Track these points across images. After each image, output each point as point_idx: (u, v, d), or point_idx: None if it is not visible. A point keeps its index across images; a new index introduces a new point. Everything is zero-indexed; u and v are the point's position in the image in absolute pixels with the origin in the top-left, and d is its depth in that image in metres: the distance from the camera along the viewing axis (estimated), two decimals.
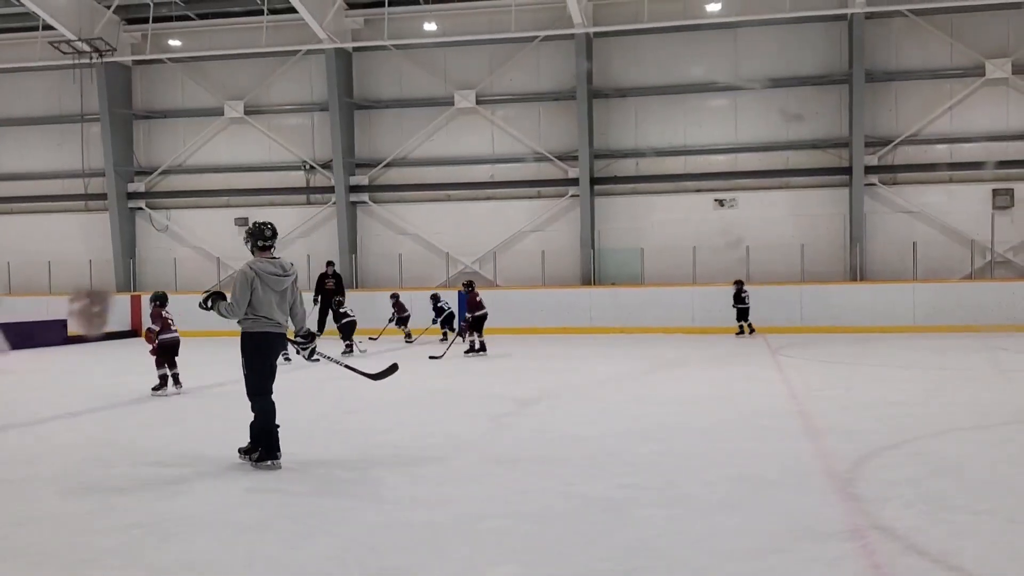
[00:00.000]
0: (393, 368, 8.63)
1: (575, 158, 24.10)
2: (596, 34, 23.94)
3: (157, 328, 11.79)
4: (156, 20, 25.66)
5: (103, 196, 26.65)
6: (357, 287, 25.16)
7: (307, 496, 6.20)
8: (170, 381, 11.83)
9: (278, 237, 7.51)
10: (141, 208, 26.99)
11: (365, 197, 25.65)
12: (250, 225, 7.57)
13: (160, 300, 12.03)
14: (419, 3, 24.63)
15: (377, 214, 25.78)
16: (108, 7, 25.08)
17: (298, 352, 7.75)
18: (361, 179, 25.53)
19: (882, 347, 17.45)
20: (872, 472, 6.63)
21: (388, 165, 25.53)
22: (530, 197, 25.00)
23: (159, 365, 11.80)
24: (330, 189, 25.49)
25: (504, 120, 24.96)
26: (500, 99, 24.97)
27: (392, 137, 25.59)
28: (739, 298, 21.04)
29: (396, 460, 7.42)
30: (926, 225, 22.96)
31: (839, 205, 23.37)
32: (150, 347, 11.84)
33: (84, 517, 5.73)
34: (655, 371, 14.36)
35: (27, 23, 25.70)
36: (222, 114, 26.16)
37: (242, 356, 7.25)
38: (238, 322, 7.27)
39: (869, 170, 22.87)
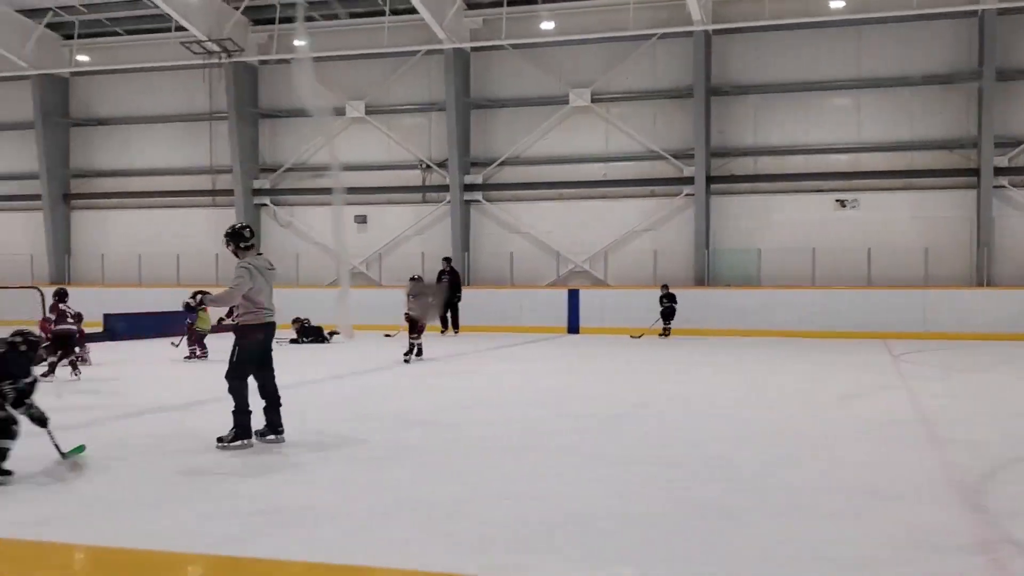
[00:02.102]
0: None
1: (691, 156, 23.82)
2: (715, 31, 23.61)
3: (53, 318, 12.96)
4: (282, 21, 26.47)
5: (230, 192, 27.63)
6: (469, 284, 25.41)
7: (421, 488, 6.32)
8: (58, 369, 12.72)
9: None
10: (266, 204, 27.87)
11: (479, 196, 25.91)
12: (229, 228, 8.19)
13: (60, 295, 13.21)
14: (537, 2, 24.73)
15: (490, 212, 26.01)
16: (237, 8, 25.98)
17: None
18: (475, 178, 25.79)
19: (1011, 356, 16.71)
20: (1001, 485, 6.39)
21: (502, 164, 25.71)
22: (643, 196, 24.82)
23: (50, 352, 12.72)
24: (445, 188, 25.83)
25: (619, 118, 24.86)
26: (615, 97, 24.86)
27: (506, 136, 25.77)
28: (673, 299, 21.60)
29: (506, 456, 7.50)
30: None
31: (966, 208, 22.46)
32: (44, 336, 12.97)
33: (208, 502, 5.97)
34: (771, 376, 14.10)
35: (161, 24, 26.87)
36: (344, 114, 26.79)
37: (237, 344, 7.88)
38: (238, 316, 7.92)
39: (998, 171, 21.90)
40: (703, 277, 23.67)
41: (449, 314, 22.99)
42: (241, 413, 7.77)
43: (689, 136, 23.93)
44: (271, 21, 26.56)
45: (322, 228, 27.29)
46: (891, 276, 22.46)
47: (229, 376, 7.84)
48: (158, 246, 28.29)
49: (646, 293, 23.02)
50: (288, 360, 15.35)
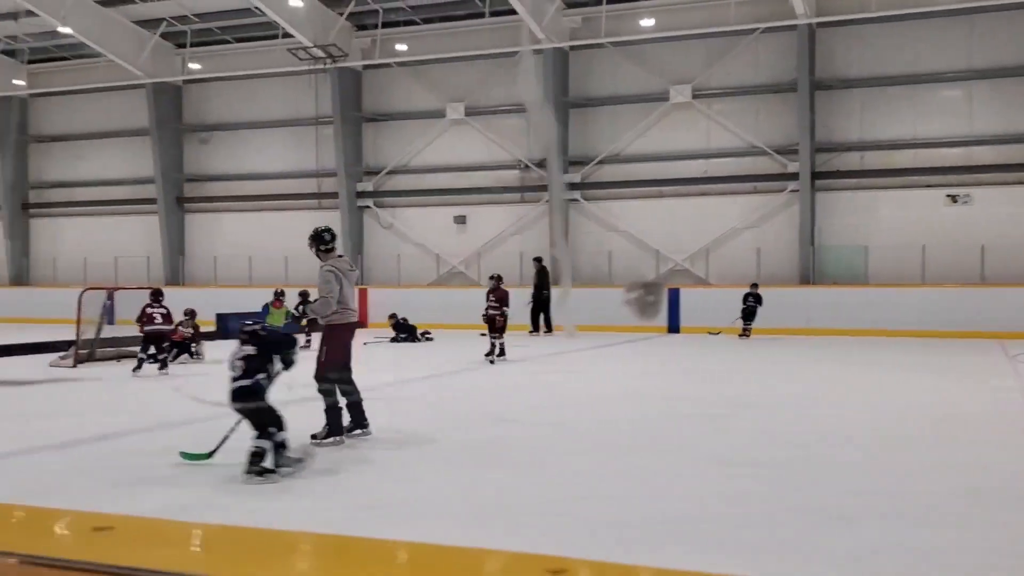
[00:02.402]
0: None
1: (795, 152, 23.36)
2: (819, 24, 23.10)
3: (139, 323, 14.06)
4: (385, 25, 26.94)
5: (334, 195, 28.25)
6: None
7: (520, 485, 6.39)
8: (145, 365, 13.84)
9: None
10: (369, 207, 28.41)
11: (577, 195, 25.90)
12: (312, 231, 8.45)
13: (153, 295, 14.30)
14: None
15: (588, 211, 25.97)
16: (341, 14, 26.55)
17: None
18: (574, 176, 25.79)
19: None
20: None
21: (601, 162, 25.64)
22: (746, 193, 24.45)
23: (142, 350, 13.94)
24: (543, 187, 25.90)
25: (720, 114, 24.54)
26: (716, 93, 24.54)
27: (605, 134, 25.68)
28: (759, 300, 20.72)
29: (606, 455, 7.51)
30: None
31: None
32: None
33: (321, 496, 6.16)
34: (879, 376, 13.76)
35: (268, 32, 27.65)
36: (444, 116, 27.12)
37: (326, 344, 8.08)
38: (323, 317, 8.06)
39: None
40: (808, 275, 23.19)
41: (541, 315, 22.88)
42: (333, 411, 7.97)
43: (793, 131, 23.48)
44: (374, 26, 27.06)
45: (422, 229, 27.70)
46: (1006, 273, 21.61)
47: (319, 376, 8.02)
48: (267, 248, 29.07)
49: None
50: (383, 358, 15.72)
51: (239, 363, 6.77)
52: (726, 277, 24.20)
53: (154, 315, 13.99)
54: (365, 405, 8.22)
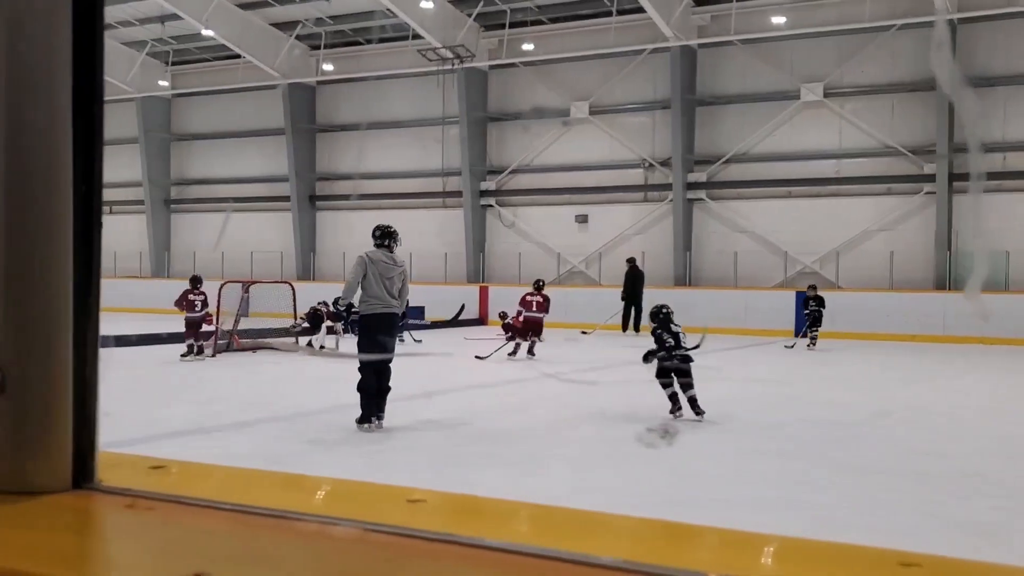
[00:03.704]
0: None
1: (932, 152, 22.51)
2: (960, 20, 22.19)
3: (181, 308, 14.81)
4: (512, 26, 27.17)
5: (458, 194, 28.64)
6: (690, 284, 25.15)
7: (656, 487, 6.39)
8: (194, 350, 14.71)
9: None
10: (491, 205, 28.72)
11: (702, 194, 25.58)
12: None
13: (191, 281, 15.04)
14: None
15: (714, 211, 25.62)
16: (469, 15, 26.90)
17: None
18: (699, 176, 25.49)
19: None
20: None
21: (727, 161, 25.27)
22: (879, 194, 23.69)
23: (187, 337, 14.68)
24: (667, 187, 25.66)
25: (852, 113, 23.84)
26: (849, 91, 23.86)
27: (732, 133, 25.28)
28: (822, 303, 19.18)
29: (740, 460, 7.43)
30: None
31: None
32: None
33: (447, 486, 6.28)
34: (1021, 386, 13.16)
35: (398, 33, 28.24)
36: (569, 115, 27.18)
37: (357, 334, 8.71)
38: (357, 305, 8.55)
39: None
40: (944, 280, 22.32)
41: (632, 313, 22.33)
42: (360, 392, 8.28)
43: (930, 131, 22.63)
44: (501, 26, 27.32)
45: (544, 228, 27.83)
46: None
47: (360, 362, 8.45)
48: None
49: (881, 297, 22.00)
50: (503, 357, 15.87)
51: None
52: (857, 281, 23.50)
53: (195, 302, 14.62)
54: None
